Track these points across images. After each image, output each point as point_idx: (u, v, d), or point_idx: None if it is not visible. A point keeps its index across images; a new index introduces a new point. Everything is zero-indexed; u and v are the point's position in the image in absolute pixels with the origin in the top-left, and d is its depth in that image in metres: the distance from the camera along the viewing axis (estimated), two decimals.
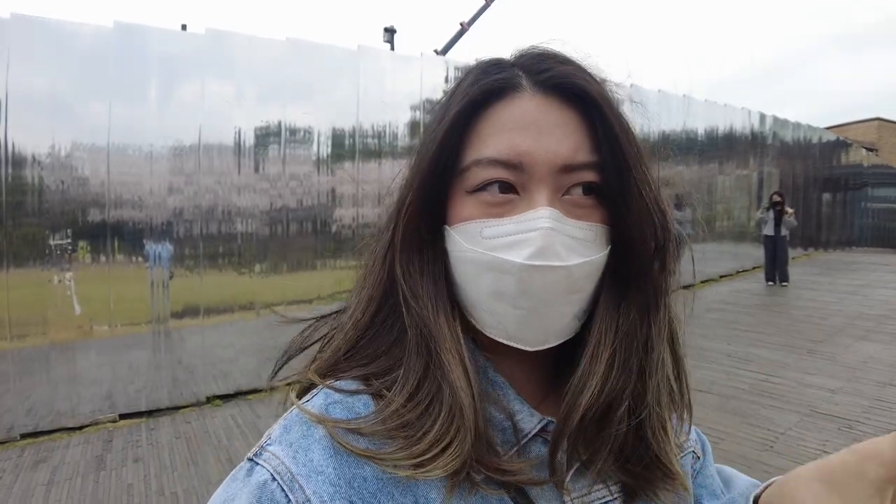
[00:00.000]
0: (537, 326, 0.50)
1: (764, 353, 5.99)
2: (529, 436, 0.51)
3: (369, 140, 5.95)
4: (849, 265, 13.20)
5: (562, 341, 0.51)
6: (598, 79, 0.50)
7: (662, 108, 9.56)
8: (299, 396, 0.53)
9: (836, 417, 4.23)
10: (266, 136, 5.24)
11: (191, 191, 4.82)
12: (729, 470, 0.73)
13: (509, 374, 0.54)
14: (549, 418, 0.52)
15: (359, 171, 5.88)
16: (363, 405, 0.50)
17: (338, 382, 0.52)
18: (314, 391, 0.52)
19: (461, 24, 14.19)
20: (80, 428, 4.29)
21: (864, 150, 17.84)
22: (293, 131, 5.41)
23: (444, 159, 0.51)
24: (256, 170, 5.19)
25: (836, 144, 16.09)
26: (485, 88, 0.50)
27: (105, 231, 4.42)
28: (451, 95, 0.53)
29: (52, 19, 4.20)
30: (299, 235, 5.53)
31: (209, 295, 5.01)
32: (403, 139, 6.23)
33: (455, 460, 0.45)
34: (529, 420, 0.52)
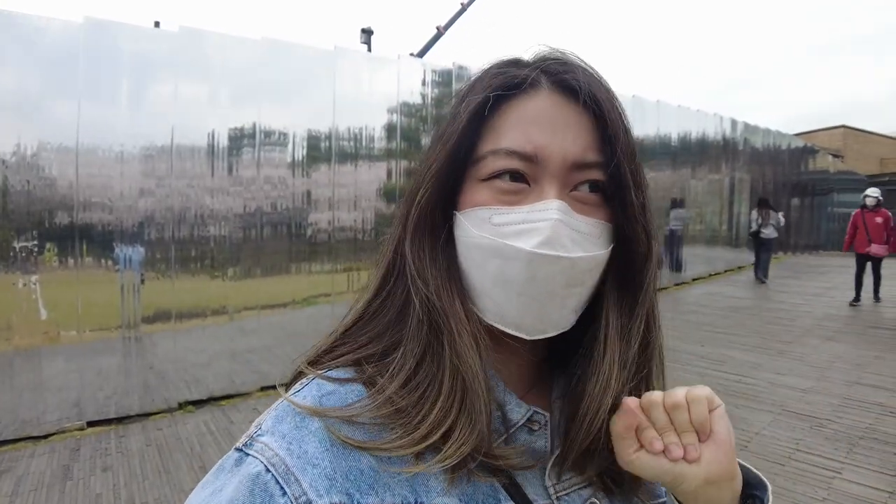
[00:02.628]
0: (537, 315, 0.51)
1: (737, 354, 6.09)
2: (517, 425, 0.54)
3: (345, 143, 5.91)
4: (816, 268, 13.54)
5: (558, 332, 0.52)
6: (606, 85, 0.53)
7: (636, 113, 9.70)
8: (289, 385, 0.54)
9: (808, 416, 4.31)
10: (240, 138, 5.16)
11: (163, 193, 4.72)
12: None
13: (498, 365, 0.54)
14: (535, 408, 0.55)
15: (335, 174, 5.83)
16: (356, 395, 0.50)
17: (330, 372, 0.52)
18: (304, 381, 0.53)
19: (437, 28, 14.26)
20: (46, 437, 4.14)
21: (830, 157, 18.33)
22: (268, 133, 5.33)
23: (464, 148, 0.53)
24: (230, 172, 5.11)
25: (804, 151, 16.51)
26: (505, 82, 0.52)
27: (73, 234, 4.29)
28: (470, 88, 0.54)
29: (19, 13, 4.06)
30: (273, 239, 5.46)
31: (181, 299, 4.90)
32: (380, 142, 6.21)
33: (463, 446, 0.47)
34: (517, 410, 0.54)
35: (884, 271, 9.08)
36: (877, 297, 9.00)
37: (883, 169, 21.64)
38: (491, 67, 0.55)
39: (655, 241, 0.54)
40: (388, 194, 6.33)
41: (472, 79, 0.55)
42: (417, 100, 6.64)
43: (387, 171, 6.32)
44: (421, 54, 12.88)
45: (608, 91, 0.52)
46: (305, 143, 5.62)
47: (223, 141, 5.03)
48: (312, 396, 0.50)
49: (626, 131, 0.51)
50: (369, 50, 9.93)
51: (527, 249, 0.48)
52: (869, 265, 8.98)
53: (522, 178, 0.51)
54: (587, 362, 0.53)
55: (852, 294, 8.93)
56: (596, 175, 0.51)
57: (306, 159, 5.64)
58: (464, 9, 14.61)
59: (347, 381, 0.51)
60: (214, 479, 0.47)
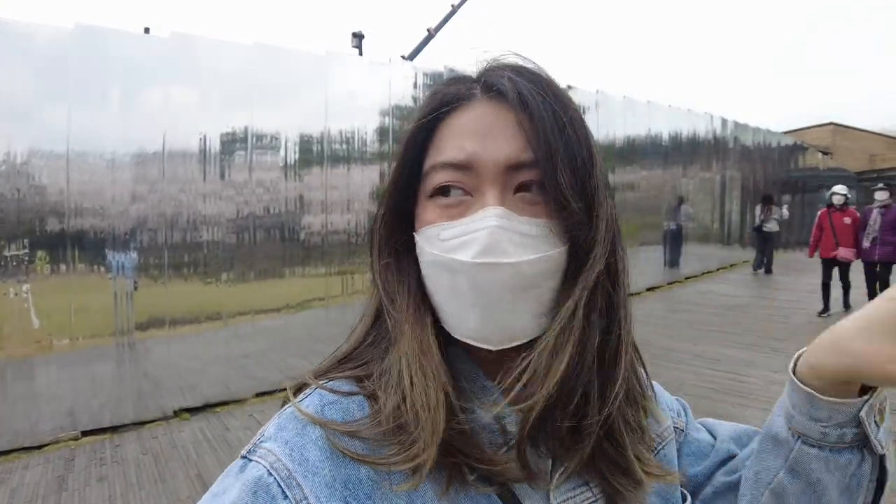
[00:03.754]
0: (496, 325, 0.50)
1: (731, 352, 6.11)
2: (516, 437, 0.52)
3: (338, 146, 5.90)
4: (808, 265, 13.52)
5: (528, 340, 0.51)
6: (540, 80, 0.52)
7: (628, 114, 9.74)
8: (293, 396, 0.54)
9: None
10: (232, 143, 5.14)
11: (155, 198, 4.69)
12: (710, 422, 0.78)
13: (495, 374, 0.53)
14: None
15: (327, 177, 5.83)
16: (358, 406, 0.51)
17: (331, 383, 0.53)
18: (307, 391, 0.54)
19: (428, 31, 14.23)
20: (40, 447, 4.11)
21: (819, 154, 18.45)
22: (260, 137, 5.31)
23: (409, 168, 0.55)
24: (222, 177, 5.08)
25: (793, 148, 16.61)
26: (440, 100, 0.54)
27: (65, 241, 4.25)
28: (417, 111, 0.56)
29: (8, 19, 4.02)
30: (267, 243, 5.44)
31: (175, 305, 4.87)
32: (372, 145, 6.21)
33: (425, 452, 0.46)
34: (517, 422, 0.52)
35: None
36: (847, 306, 7.99)
37: (872, 165, 21.82)
38: (434, 88, 0.56)
39: (600, 242, 0.51)
40: (380, 197, 6.31)
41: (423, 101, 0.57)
42: (409, 103, 6.63)
43: (379, 173, 6.31)
44: (412, 57, 12.86)
45: (541, 86, 0.51)
46: (298, 147, 5.60)
47: (215, 145, 5.01)
48: (315, 405, 0.51)
49: (563, 126, 0.49)
50: (360, 54, 9.90)
51: (467, 261, 0.48)
52: (836, 272, 8.06)
53: (463, 188, 0.51)
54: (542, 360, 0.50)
55: (838, 291, 8.08)
56: (537, 173, 0.50)
57: (299, 163, 5.62)
58: (454, 10, 14.59)
59: (349, 393, 0.52)
60: (220, 483, 0.49)
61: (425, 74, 6.76)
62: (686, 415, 0.75)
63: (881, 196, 7.50)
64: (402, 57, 11.20)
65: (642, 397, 0.59)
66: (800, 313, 8.08)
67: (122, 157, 4.50)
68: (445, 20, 14.53)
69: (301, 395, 0.53)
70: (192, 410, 4.80)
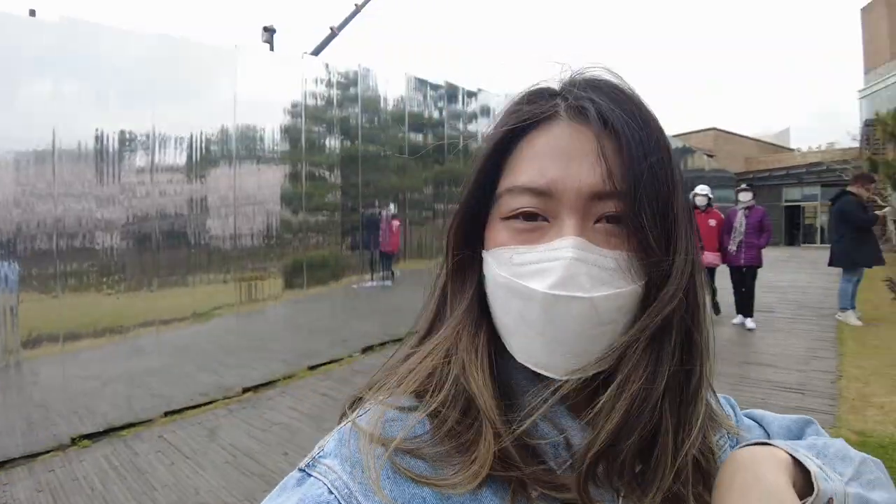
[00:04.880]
0: (564, 355, 0.48)
1: None
2: (575, 473, 0.49)
3: (246, 145, 5.63)
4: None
5: (595, 372, 0.48)
6: (630, 101, 0.50)
7: None
8: (351, 410, 0.53)
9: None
10: (132, 141, 4.73)
11: (43, 202, 4.21)
12: (758, 413, 0.74)
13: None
14: None
15: (236, 178, 5.53)
16: (419, 422, 0.49)
17: (392, 399, 0.52)
18: (367, 406, 0.52)
19: (331, 29, 14.13)
20: None
21: (705, 157, 19.97)
22: (163, 135, 4.94)
23: (482, 187, 0.54)
24: (120, 177, 4.66)
25: (683, 151, 17.87)
26: (521, 118, 0.51)
27: None
28: (495, 123, 0.54)
29: None
30: (170, 249, 5.08)
31: (68, 319, 4.41)
32: (284, 143, 5.99)
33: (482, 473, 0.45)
34: (581, 435, 0.50)
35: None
36: (716, 310, 7.74)
37: (748, 167, 23.93)
38: (512, 101, 0.54)
39: (675, 278, 0.48)
40: (292, 198, 6.12)
41: (501, 112, 0.55)
42: (322, 101, 6.47)
43: (291, 174, 6.11)
44: (315, 54, 12.67)
45: (626, 107, 0.49)
46: (204, 147, 5.28)
47: (112, 144, 4.61)
48: (375, 422, 0.49)
49: (647, 154, 0.47)
50: (272, 49, 9.55)
51: (541, 291, 0.47)
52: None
53: (541, 214, 0.50)
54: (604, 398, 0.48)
55: (725, 282, 7.86)
56: (619, 205, 0.48)
57: (205, 163, 5.31)
58: (357, 10, 14.56)
59: (409, 408, 0.51)
60: (275, 497, 0.47)
61: (339, 73, 6.63)
62: (736, 415, 0.72)
63: (745, 197, 7.27)
64: (305, 54, 10.95)
65: (709, 427, 0.57)
66: None
67: (5, 156, 4.00)
68: (349, 19, 14.47)
69: (361, 410, 0.52)
70: (93, 436, 4.35)
